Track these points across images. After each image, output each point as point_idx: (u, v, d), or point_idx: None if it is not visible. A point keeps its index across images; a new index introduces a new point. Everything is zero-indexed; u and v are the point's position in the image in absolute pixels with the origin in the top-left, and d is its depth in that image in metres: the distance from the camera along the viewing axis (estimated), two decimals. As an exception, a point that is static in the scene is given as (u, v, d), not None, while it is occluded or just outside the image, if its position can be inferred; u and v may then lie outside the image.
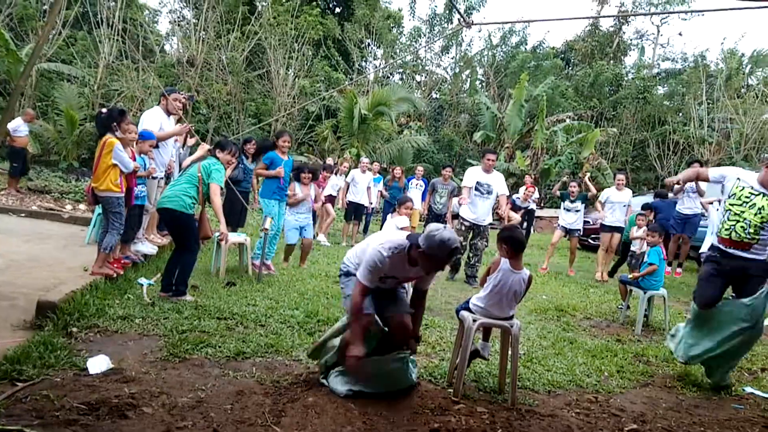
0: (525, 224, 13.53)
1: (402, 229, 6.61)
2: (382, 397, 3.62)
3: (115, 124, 5.49)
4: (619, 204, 9.78)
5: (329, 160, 13.12)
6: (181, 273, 5.46)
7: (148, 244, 6.99)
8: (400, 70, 27.94)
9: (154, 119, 6.70)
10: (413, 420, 3.36)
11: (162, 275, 5.63)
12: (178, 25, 23.29)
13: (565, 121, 22.68)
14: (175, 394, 3.33)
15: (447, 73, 28.91)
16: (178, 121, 7.35)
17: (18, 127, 12.09)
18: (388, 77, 27.14)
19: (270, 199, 7.36)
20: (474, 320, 3.90)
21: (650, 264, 6.43)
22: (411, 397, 3.70)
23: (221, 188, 5.75)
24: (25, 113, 12.87)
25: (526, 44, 28.95)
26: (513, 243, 3.87)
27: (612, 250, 10.01)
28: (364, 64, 25.74)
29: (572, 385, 4.29)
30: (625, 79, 28.26)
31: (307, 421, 3.16)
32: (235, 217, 7.90)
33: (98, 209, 6.88)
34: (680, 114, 26.10)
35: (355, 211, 11.68)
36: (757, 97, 22.53)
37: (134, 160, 5.84)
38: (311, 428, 3.08)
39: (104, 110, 5.70)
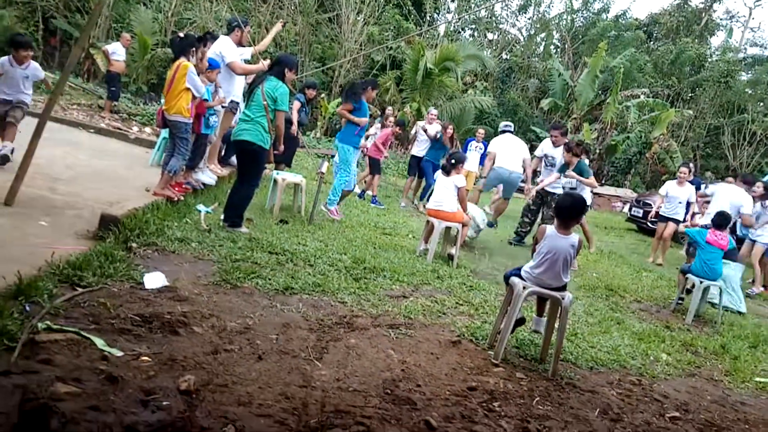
0: None
1: (461, 188, 6.50)
2: (423, 348, 3.64)
3: (193, 49, 5.53)
4: (676, 199, 9.38)
5: (389, 111, 12.86)
6: (238, 206, 5.55)
7: (209, 173, 7.14)
8: (473, 26, 27.10)
9: (233, 49, 6.73)
10: (451, 375, 3.36)
11: (225, 207, 5.70)
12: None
13: (639, 97, 21.65)
14: (224, 318, 3.42)
15: (521, 34, 27.91)
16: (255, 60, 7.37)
17: (116, 50, 12.22)
18: (459, 32, 26.39)
19: (349, 145, 7.34)
20: (524, 287, 3.84)
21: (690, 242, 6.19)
22: (450, 353, 3.70)
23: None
24: (122, 37, 13.06)
25: (608, 12, 27.54)
26: (558, 209, 3.93)
27: (666, 239, 9.64)
28: (436, 15, 25.06)
29: (616, 365, 4.19)
30: (709, 60, 26.61)
31: (348, 362, 3.21)
32: (287, 155, 7.96)
33: (163, 133, 7.05)
34: (762, 104, 24.54)
35: (418, 165, 10.89)
36: None
37: (203, 88, 5.91)
38: (351, 368, 3.13)
39: (181, 34, 5.75)
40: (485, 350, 3.90)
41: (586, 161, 8.57)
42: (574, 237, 3.85)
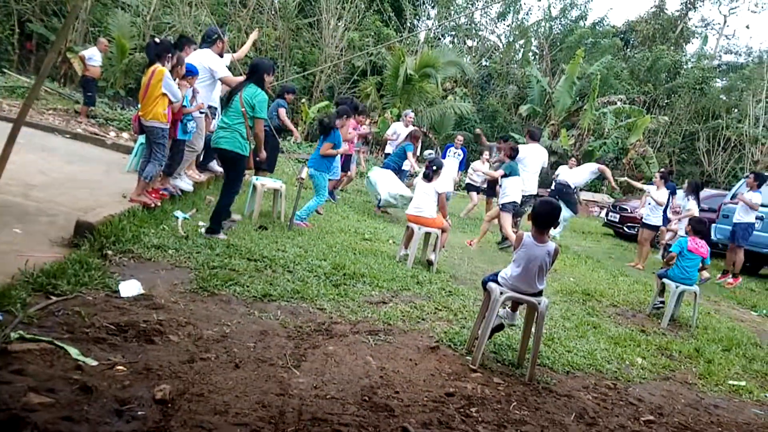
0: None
1: (441, 194, 6.54)
2: (401, 354, 3.65)
3: (169, 54, 5.49)
4: (654, 203, 9.63)
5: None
6: (217, 212, 5.52)
7: (186, 179, 7.09)
8: (453, 33, 27.29)
9: (220, 62, 6.77)
10: (429, 381, 3.38)
11: (211, 216, 5.65)
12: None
13: (616, 103, 21.96)
14: (201, 326, 3.40)
15: (500, 41, 28.15)
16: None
17: (93, 56, 12.11)
18: (440, 39, 26.56)
19: (323, 171, 7.42)
20: (501, 293, 3.87)
21: (670, 253, 6.37)
22: (428, 359, 3.72)
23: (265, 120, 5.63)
24: (99, 42, 12.92)
25: (586, 19, 27.95)
26: (535, 216, 3.92)
27: (642, 243, 9.88)
28: (416, 22, 25.19)
29: (591, 369, 4.25)
30: (684, 67, 27.12)
31: (326, 369, 3.21)
32: (269, 161, 7.94)
33: (141, 139, 6.98)
34: (736, 110, 25.09)
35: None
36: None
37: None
38: (329, 376, 3.13)
39: (157, 39, 5.71)
40: (463, 356, 3.93)
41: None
42: (551, 245, 3.89)
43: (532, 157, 9.14)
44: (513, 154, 8.74)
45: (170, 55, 5.52)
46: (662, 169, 10.93)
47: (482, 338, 3.82)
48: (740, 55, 29.96)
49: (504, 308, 4.19)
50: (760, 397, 4.54)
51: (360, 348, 3.63)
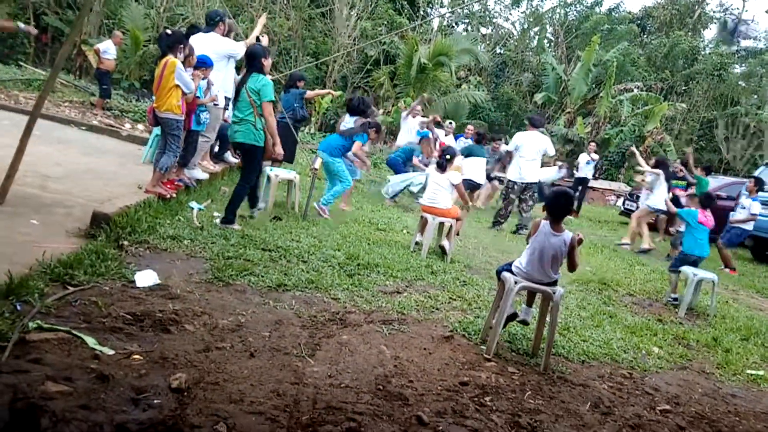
0: (577, 193, 13.37)
1: (458, 185, 6.48)
2: (416, 343, 3.65)
3: (181, 45, 5.50)
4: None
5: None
6: (232, 202, 5.54)
7: (201, 170, 7.12)
8: (466, 21, 27.06)
9: (227, 41, 6.75)
10: (443, 371, 3.38)
11: (227, 206, 5.65)
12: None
13: (632, 90, 21.67)
14: (216, 316, 3.42)
15: (515, 28, 27.89)
16: None
17: (107, 49, 12.21)
18: (453, 27, 26.35)
19: (339, 158, 7.30)
20: (516, 282, 3.85)
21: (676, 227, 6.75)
22: (443, 348, 3.72)
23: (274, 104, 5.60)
24: (114, 35, 13.02)
25: (602, 6, 27.54)
26: (550, 207, 3.88)
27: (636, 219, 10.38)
28: (429, 10, 24.99)
29: (607, 359, 4.22)
30: (702, 53, 26.65)
31: (340, 358, 3.22)
32: (288, 154, 7.94)
33: (156, 130, 7.02)
34: (756, 96, 24.61)
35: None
36: None
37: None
38: (343, 365, 3.14)
39: (169, 30, 5.72)
40: (477, 345, 3.92)
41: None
42: (567, 235, 3.84)
43: (529, 144, 9.14)
44: (478, 138, 10.87)
45: (182, 45, 5.53)
46: (656, 158, 11.27)
47: (496, 327, 3.80)
48: (759, 40, 29.33)
49: (521, 304, 4.18)
50: (780, 386, 4.48)
51: (374, 337, 3.63)
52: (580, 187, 13.93)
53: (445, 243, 6.44)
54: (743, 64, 27.50)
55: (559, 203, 3.87)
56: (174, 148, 5.55)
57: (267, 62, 5.60)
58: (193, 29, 6.90)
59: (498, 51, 26.86)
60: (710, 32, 29.92)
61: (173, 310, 3.37)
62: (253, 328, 3.37)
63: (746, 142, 22.25)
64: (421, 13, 23.96)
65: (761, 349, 5.24)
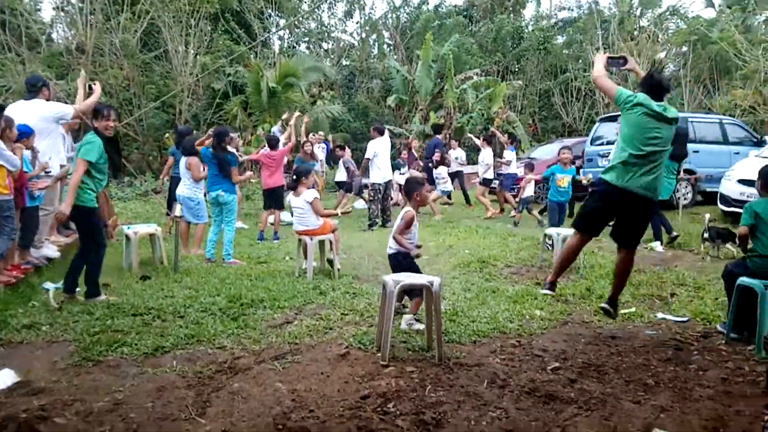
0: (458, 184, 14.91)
1: (313, 202, 6.36)
2: (312, 370, 3.58)
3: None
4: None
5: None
6: (88, 273, 5.12)
7: (51, 246, 6.54)
8: (306, 39, 27.31)
9: (54, 104, 6.32)
10: (343, 389, 3.34)
11: (66, 274, 5.22)
12: (63, 10, 21.54)
13: (472, 78, 22.96)
14: (90, 400, 3.14)
15: (354, 38, 28.55)
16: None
17: None
18: (295, 47, 26.47)
19: (234, 194, 7.44)
20: (395, 284, 3.91)
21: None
22: (340, 367, 3.68)
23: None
24: None
25: (428, 3, 28.97)
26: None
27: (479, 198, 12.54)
28: (267, 35, 24.89)
29: (496, 333, 4.41)
30: (526, 31, 28.86)
31: (234, 408, 3.07)
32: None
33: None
34: (580, 61, 27.03)
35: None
36: (649, 38, 23.63)
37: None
38: (238, 415, 3.00)
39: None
40: (375, 354, 3.93)
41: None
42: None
43: (383, 148, 10.62)
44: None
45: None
46: (487, 133, 12.93)
47: (387, 332, 3.83)
48: (572, 9, 32.26)
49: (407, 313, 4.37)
50: (651, 318, 4.93)
51: (267, 376, 3.51)
52: (455, 180, 14.81)
53: (331, 256, 6.45)
54: (563, 35, 30.12)
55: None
56: (8, 231, 5.03)
57: (101, 123, 5.12)
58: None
59: (344, 63, 27.33)
60: (528, 11, 32.45)
61: (39, 405, 3.05)
62: (133, 402, 3.12)
63: (581, 103, 24.39)
64: (260, 38, 23.79)
65: (630, 288, 5.65)
